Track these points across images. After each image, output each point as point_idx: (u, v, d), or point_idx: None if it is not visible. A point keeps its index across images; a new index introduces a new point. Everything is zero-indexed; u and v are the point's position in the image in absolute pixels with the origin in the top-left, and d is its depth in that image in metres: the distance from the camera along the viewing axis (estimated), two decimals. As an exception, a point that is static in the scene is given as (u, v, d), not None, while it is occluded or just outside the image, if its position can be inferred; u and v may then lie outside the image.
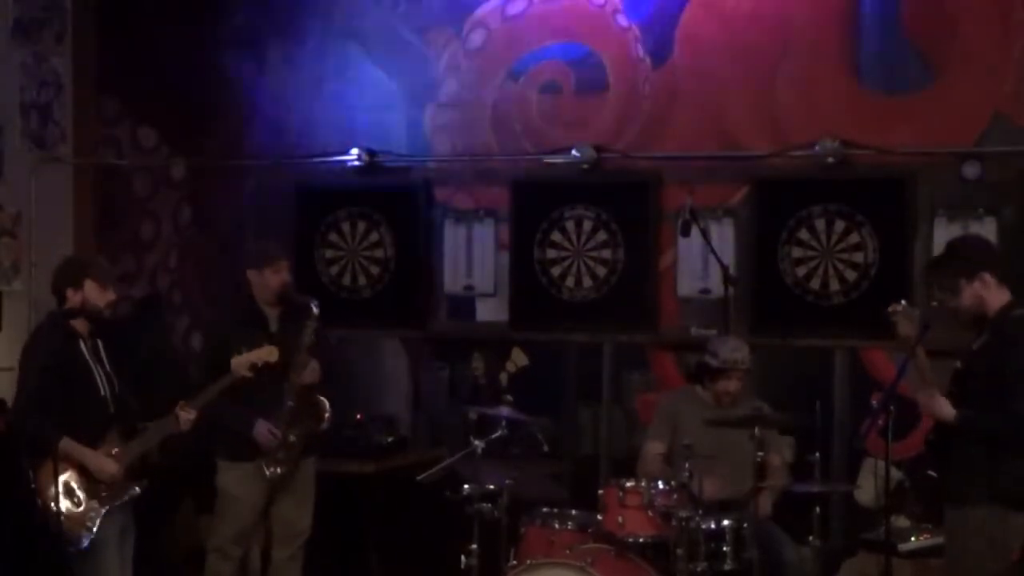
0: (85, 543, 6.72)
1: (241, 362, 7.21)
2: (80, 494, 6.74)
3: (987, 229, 7.87)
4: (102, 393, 6.91)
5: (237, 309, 7.82)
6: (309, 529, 7.78)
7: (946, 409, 6.18)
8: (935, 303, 6.41)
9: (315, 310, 7.50)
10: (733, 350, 7.61)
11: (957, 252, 6.44)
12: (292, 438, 7.47)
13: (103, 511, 6.79)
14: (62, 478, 6.61)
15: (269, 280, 7.61)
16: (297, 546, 7.77)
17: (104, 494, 6.80)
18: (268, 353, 7.27)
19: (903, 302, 6.46)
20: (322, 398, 7.55)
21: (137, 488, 6.94)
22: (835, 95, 8.34)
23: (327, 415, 7.50)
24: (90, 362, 6.90)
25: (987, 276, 6.26)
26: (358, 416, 8.94)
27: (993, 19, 8.03)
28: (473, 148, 9.11)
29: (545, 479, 8.28)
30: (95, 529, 6.75)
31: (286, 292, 7.63)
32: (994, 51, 8.01)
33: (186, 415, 6.98)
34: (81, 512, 6.73)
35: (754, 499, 7.07)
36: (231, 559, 7.69)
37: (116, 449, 6.86)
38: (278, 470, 7.49)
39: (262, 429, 7.42)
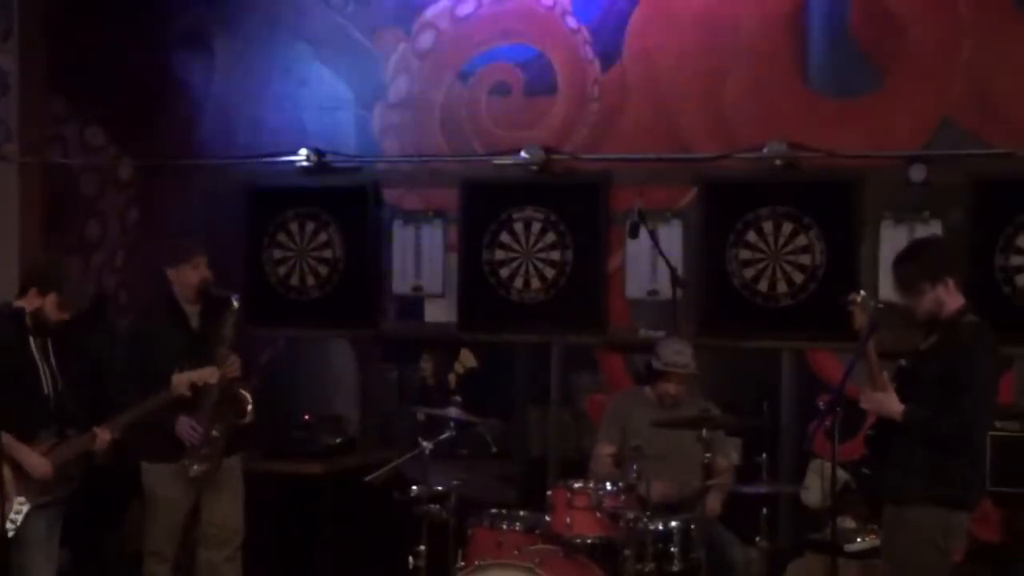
0: (9, 536, 6.69)
1: (182, 380, 7.20)
2: (9, 488, 6.70)
3: (933, 232, 7.92)
4: (45, 391, 6.87)
5: (158, 309, 7.76)
6: (243, 529, 7.72)
7: (894, 405, 6.22)
8: (881, 304, 6.45)
9: (235, 303, 7.44)
10: (675, 353, 7.63)
11: (924, 254, 6.48)
12: (215, 433, 7.42)
13: (28, 507, 6.76)
14: None
15: (188, 277, 7.56)
16: (233, 547, 7.69)
17: (32, 491, 6.76)
18: (209, 374, 7.25)
19: (862, 292, 6.50)
20: (244, 392, 7.47)
21: (64, 490, 6.91)
22: (783, 98, 8.38)
23: (249, 408, 7.43)
24: (37, 359, 6.87)
25: (950, 281, 6.31)
26: (305, 417, 8.93)
27: (940, 24, 8.09)
28: (422, 149, 9.11)
29: (493, 480, 8.27)
30: (19, 523, 6.72)
31: (206, 288, 7.58)
32: (941, 55, 8.08)
33: (103, 436, 6.95)
34: (8, 506, 6.68)
35: (702, 499, 7.10)
36: (167, 561, 7.65)
37: (46, 448, 6.83)
38: (201, 467, 7.44)
39: (184, 425, 7.37)
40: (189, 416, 7.37)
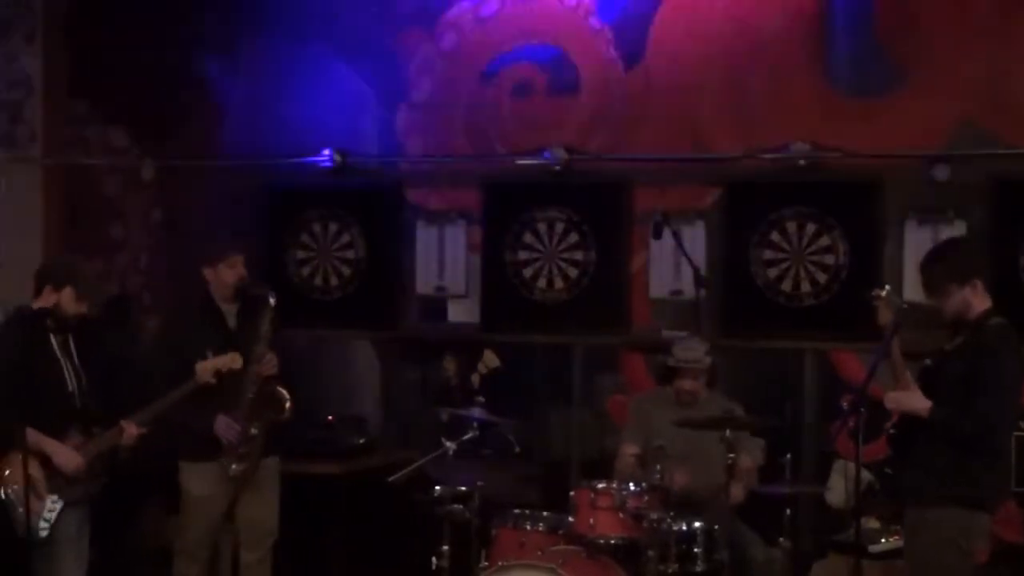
0: (43, 535, 6.71)
1: (206, 368, 7.20)
2: (41, 487, 6.73)
3: (957, 232, 7.91)
4: (69, 388, 6.90)
5: (195, 308, 7.75)
6: (276, 530, 7.72)
7: (921, 402, 6.19)
8: (906, 304, 6.44)
9: (272, 300, 7.43)
10: (686, 349, 7.64)
11: (952, 255, 6.46)
12: (253, 431, 7.42)
13: (61, 505, 6.79)
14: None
15: (224, 276, 7.55)
16: (266, 548, 7.69)
17: (64, 489, 6.79)
18: (232, 360, 7.25)
19: (888, 287, 6.48)
20: (281, 389, 7.45)
21: (94, 487, 6.93)
22: (806, 98, 8.37)
23: (288, 405, 7.41)
24: (59, 356, 6.90)
25: (978, 283, 6.30)
26: (329, 417, 8.94)
27: (962, 23, 8.08)
28: (445, 149, 9.12)
29: (516, 481, 8.27)
30: (52, 522, 6.74)
31: (243, 287, 7.58)
32: (963, 55, 8.06)
33: (130, 430, 6.96)
34: (40, 505, 6.71)
35: (725, 493, 7.06)
36: (198, 561, 7.64)
37: (76, 444, 6.85)
38: (240, 466, 7.45)
39: (222, 424, 7.38)
40: (227, 415, 7.38)
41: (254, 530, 7.67)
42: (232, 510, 7.62)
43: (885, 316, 6.36)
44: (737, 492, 7.30)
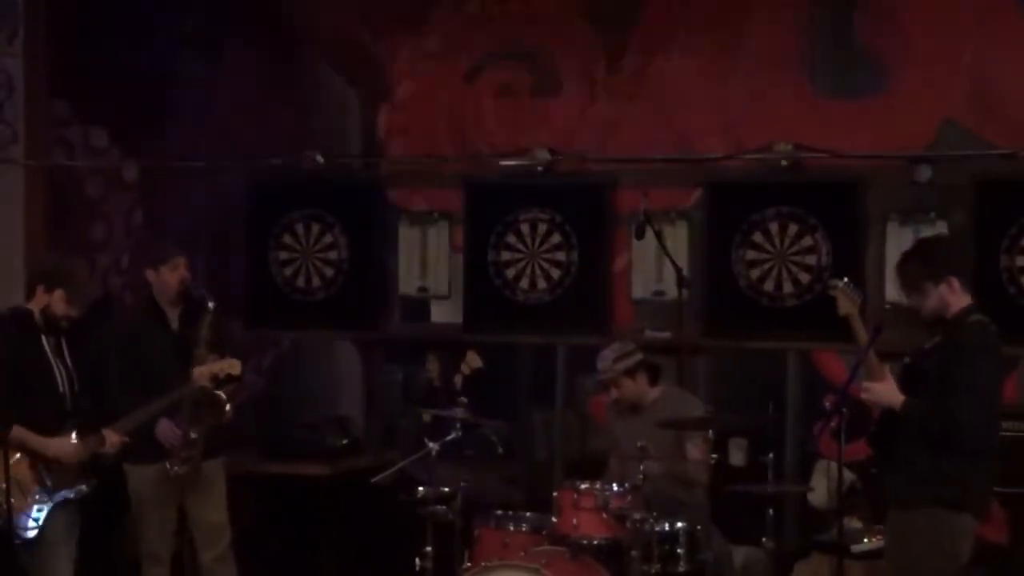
0: (30, 535, 6.70)
1: (203, 373, 7.22)
2: (28, 487, 6.72)
3: (938, 232, 7.92)
4: (61, 390, 6.89)
5: (138, 310, 7.79)
6: (229, 528, 7.71)
7: (895, 395, 6.18)
8: (887, 306, 6.44)
9: (210, 304, 7.43)
10: (598, 361, 7.67)
11: (927, 254, 6.45)
12: (193, 435, 7.42)
13: (50, 505, 6.78)
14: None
15: (167, 278, 7.55)
16: (223, 547, 7.69)
17: (53, 489, 6.77)
18: (230, 366, 7.26)
19: (844, 279, 6.49)
20: (220, 393, 7.40)
21: (84, 486, 6.92)
22: (789, 99, 8.38)
23: (227, 409, 7.39)
24: (51, 357, 6.89)
25: (954, 281, 6.29)
26: (312, 418, 8.94)
27: (944, 25, 8.10)
28: (428, 150, 9.11)
29: (499, 481, 8.29)
30: (41, 522, 6.73)
31: (185, 289, 7.58)
32: (945, 57, 8.08)
33: (111, 439, 6.96)
34: (28, 504, 6.70)
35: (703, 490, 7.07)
36: (162, 562, 7.68)
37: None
38: (182, 468, 7.43)
39: (164, 427, 7.38)
40: (169, 419, 7.37)
41: (205, 532, 7.70)
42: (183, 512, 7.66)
43: (845, 305, 6.35)
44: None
